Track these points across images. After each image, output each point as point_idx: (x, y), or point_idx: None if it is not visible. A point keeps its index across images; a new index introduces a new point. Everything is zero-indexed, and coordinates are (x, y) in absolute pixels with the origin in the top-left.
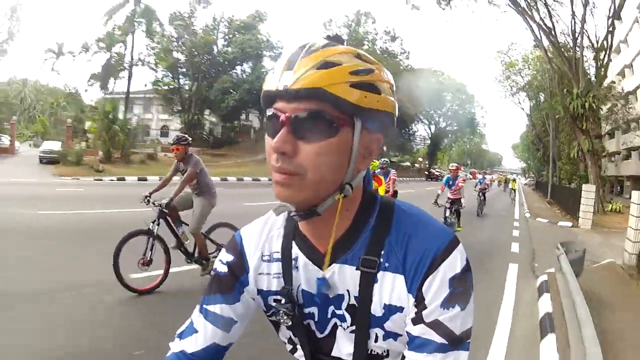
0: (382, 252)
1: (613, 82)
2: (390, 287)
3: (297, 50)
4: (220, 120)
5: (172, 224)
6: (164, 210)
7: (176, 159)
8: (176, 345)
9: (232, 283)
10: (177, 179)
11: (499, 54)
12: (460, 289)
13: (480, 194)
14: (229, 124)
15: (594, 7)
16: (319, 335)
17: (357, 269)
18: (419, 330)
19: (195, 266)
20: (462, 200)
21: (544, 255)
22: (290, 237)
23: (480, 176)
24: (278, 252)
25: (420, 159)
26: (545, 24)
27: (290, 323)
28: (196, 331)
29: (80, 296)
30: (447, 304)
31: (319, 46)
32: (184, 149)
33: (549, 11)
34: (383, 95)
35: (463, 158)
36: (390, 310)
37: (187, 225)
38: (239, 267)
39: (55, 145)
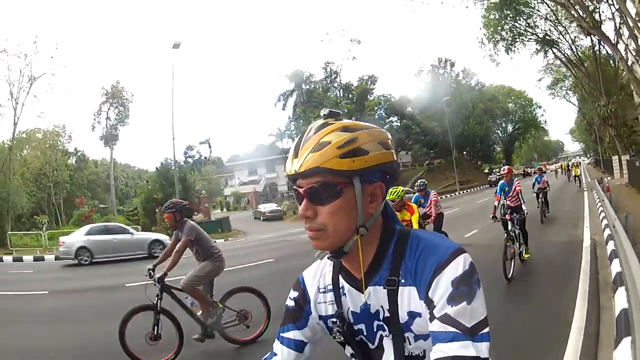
0: (400, 272)
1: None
2: (408, 298)
3: (299, 139)
4: None
5: (179, 298)
6: (164, 283)
7: (172, 227)
8: None
9: (299, 313)
10: None
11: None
12: (464, 288)
13: (541, 196)
14: None
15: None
16: (371, 347)
17: (384, 287)
18: (435, 326)
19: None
20: (524, 207)
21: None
22: (337, 271)
23: (534, 173)
24: (330, 284)
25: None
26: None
27: (342, 339)
28: (275, 354)
29: None
30: (452, 300)
31: (314, 132)
32: (173, 216)
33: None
34: (370, 153)
35: (531, 154)
36: (412, 315)
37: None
38: (302, 300)
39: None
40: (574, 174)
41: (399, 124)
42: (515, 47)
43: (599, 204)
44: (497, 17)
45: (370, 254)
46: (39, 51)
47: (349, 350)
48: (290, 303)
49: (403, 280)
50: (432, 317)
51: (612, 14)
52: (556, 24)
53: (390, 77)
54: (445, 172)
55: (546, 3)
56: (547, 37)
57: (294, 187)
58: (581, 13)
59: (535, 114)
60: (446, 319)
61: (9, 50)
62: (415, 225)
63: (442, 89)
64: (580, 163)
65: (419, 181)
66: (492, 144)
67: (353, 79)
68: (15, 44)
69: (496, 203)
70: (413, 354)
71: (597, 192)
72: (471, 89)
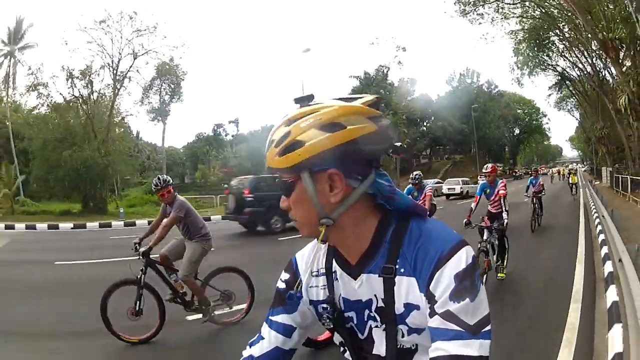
0: (398, 260)
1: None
2: (406, 288)
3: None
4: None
5: (163, 273)
6: (149, 258)
7: (165, 203)
8: (246, 352)
9: (289, 296)
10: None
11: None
12: (466, 283)
13: (535, 200)
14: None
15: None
16: (361, 337)
17: (379, 276)
18: (436, 322)
19: (198, 315)
20: (505, 215)
21: None
22: (331, 255)
23: (530, 175)
24: (322, 267)
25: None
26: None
27: (331, 326)
28: (262, 338)
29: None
30: (455, 296)
31: (275, 128)
32: (169, 192)
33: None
34: (307, 144)
35: (532, 156)
36: (409, 307)
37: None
38: (293, 282)
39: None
40: (570, 182)
41: (432, 125)
42: (536, 74)
43: (597, 220)
44: (526, 48)
45: (366, 239)
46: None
47: (338, 338)
48: (281, 285)
49: (402, 270)
50: (432, 313)
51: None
52: (572, 67)
53: (425, 80)
54: (467, 167)
55: (564, 56)
56: (565, 72)
57: None
58: (590, 72)
59: (541, 121)
60: (448, 315)
61: (109, 22)
62: None
63: (469, 96)
64: (577, 170)
65: (414, 173)
66: (503, 146)
67: (395, 79)
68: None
69: (473, 205)
70: (405, 347)
71: (594, 203)
72: (492, 98)
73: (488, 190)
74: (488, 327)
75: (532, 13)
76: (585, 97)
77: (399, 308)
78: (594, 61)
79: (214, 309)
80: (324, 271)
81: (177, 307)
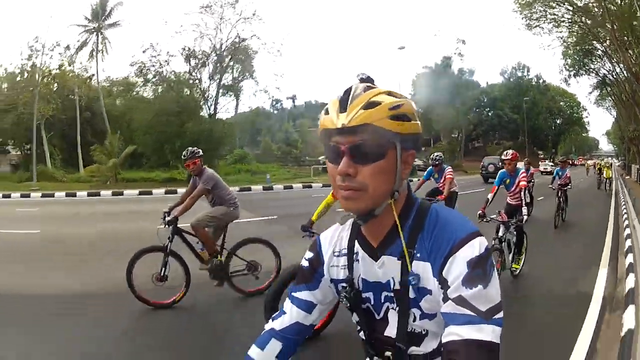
0: (416, 246)
1: None
2: (422, 273)
3: (344, 95)
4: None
5: (190, 242)
6: (176, 226)
7: (192, 174)
8: (268, 325)
9: (312, 274)
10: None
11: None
12: (479, 271)
13: (560, 194)
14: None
15: None
16: (377, 317)
17: (398, 259)
18: (449, 307)
19: (225, 286)
20: (524, 210)
21: None
22: (354, 236)
23: (545, 169)
24: (345, 248)
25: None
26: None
27: (349, 304)
28: (284, 313)
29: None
30: (467, 283)
31: (361, 90)
32: (198, 162)
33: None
34: (412, 121)
35: (570, 147)
36: (422, 292)
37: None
38: (316, 261)
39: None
40: (604, 176)
41: (491, 112)
42: (580, 75)
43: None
44: (573, 54)
45: (390, 222)
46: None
47: (355, 318)
48: (304, 263)
49: (418, 255)
50: (445, 298)
51: None
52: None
53: (480, 71)
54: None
55: (604, 64)
56: (605, 77)
57: (331, 143)
58: (626, 84)
59: (582, 114)
60: (461, 301)
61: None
62: None
63: (521, 88)
64: (612, 164)
65: (434, 154)
66: (547, 136)
67: (456, 70)
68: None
69: (490, 196)
70: (415, 331)
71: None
72: (541, 91)
73: (508, 181)
74: (500, 315)
75: (578, 29)
76: (620, 101)
77: (412, 292)
78: (628, 75)
79: (219, 263)
80: (346, 251)
81: (204, 276)
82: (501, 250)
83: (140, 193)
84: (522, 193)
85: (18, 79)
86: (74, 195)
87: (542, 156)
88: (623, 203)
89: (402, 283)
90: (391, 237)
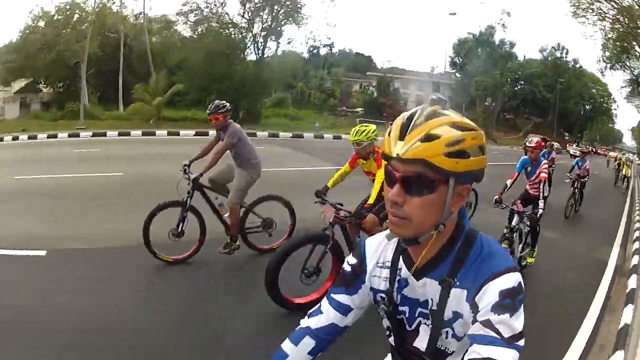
0: (458, 274)
1: None
2: (457, 299)
3: (406, 121)
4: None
5: (209, 198)
6: (198, 182)
7: (216, 129)
8: (304, 322)
9: (353, 280)
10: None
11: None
12: (509, 301)
13: (577, 184)
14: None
15: None
16: (408, 328)
17: (439, 284)
18: (475, 329)
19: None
20: (541, 203)
21: None
22: (400, 252)
23: (575, 154)
24: (389, 261)
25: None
26: None
27: (385, 316)
28: (321, 312)
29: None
30: (496, 309)
31: (424, 118)
32: (223, 118)
33: None
34: (472, 158)
35: (595, 136)
36: (456, 315)
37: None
38: (359, 268)
39: None
40: (623, 173)
41: (526, 87)
42: (616, 69)
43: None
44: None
45: (437, 248)
46: None
47: (386, 323)
48: (347, 268)
49: (458, 283)
50: (474, 321)
51: None
52: None
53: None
54: (544, 130)
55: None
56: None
57: (389, 165)
58: None
59: (611, 105)
60: (487, 323)
61: None
62: (378, 184)
63: (557, 68)
64: (633, 161)
65: (531, 139)
66: (575, 120)
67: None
68: None
69: (509, 182)
70: (442, 348)
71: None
72: (577, 76)
73: (529, 169)
74: (521, 342)
75: (620, 26)
76: None
77: (448, 315)
78: None
79: (236, 245)
80: (389, 265)
81: (219, 232)
82: (512, 240)
83: (197, 134)
84: (542, 185)
85: (57, 17)
86: (128, 134)
87: (568, 139)
88: (638, 201)
89: (440, 305)
90: (435, 263)
